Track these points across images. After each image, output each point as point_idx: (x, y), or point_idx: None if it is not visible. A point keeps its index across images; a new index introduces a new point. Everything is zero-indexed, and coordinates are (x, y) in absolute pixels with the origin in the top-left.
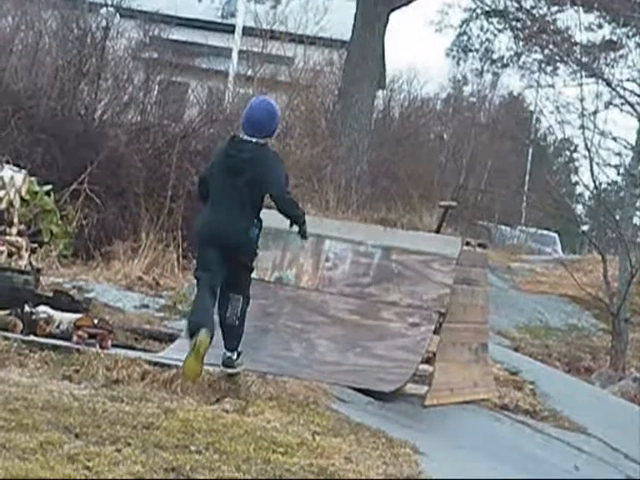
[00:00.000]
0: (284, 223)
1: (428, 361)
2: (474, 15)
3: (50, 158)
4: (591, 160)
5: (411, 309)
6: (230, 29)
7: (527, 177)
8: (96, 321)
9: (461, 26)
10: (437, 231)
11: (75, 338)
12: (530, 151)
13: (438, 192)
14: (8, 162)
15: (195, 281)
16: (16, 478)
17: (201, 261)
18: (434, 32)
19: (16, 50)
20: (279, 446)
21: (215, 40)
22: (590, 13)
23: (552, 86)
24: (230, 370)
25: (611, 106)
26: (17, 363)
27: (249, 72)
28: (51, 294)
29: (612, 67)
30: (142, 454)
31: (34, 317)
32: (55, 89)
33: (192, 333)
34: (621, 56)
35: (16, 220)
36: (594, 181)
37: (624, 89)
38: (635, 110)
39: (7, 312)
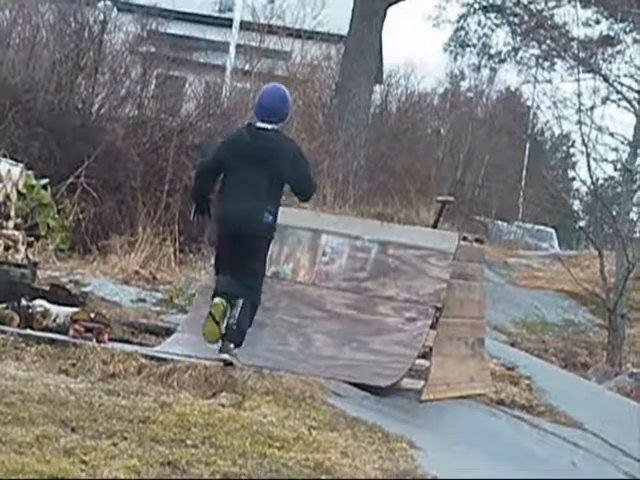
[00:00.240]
0: (280, 218)
1: (424, 356)
2: (471, 10)
3: (47, 152)
4: (588, 155)
5: (408, 304)
6: (227, 23)
7: (524, 172)
8: (93, 315)
9: (458, 21)
10: (434, 226)
11: (72, 332)
12: (527, 146)
13: (435, 187)
14: (5, 156)
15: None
16: (12, 472)
17: (219, 258)
18: (431, 27)
19: (13, 44)
20: (275, 440)
21: (212, 34)
22: (587, 8)
23: (549, 81)
24: (224, 355)
25: (608, 102)
26: (14, 357)
27: (246, 66)
28: (48, 288)
29: (609, 63)
30: (138, 448)
31: (31, 311)
32: (52, 83)
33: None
34: (618, 52)
35: (13, 214)
36: (591, 176)
37: (621, 85)
38: (632, 106)
39: (4, 306)
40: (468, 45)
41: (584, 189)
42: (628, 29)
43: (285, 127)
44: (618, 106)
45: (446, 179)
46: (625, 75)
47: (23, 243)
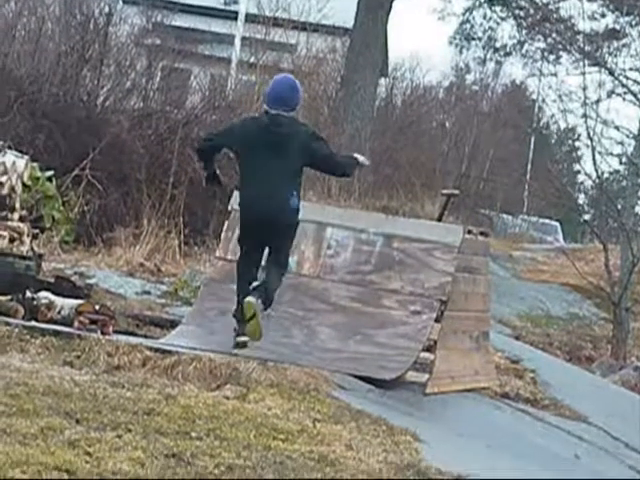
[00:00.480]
0: None
1: (429, 349)
2: (477, 3)
3: (52, 144)
4: (593, 149)
5: (412, 297)
6: (233, 16)
7: (529, 166)
8: (97, 307)
9: (464, 14)
10: (439, 219)
11: (76, 324)
12: (532, 140)
13: (440, 180)
14: (10, 148)
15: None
16: (17, 463)
17: (244, 247)
18: (437, 20)
19: (19, 36)
20: (280, 433)
21: (218, 27)
22: (593, 2)
23: (555, 75)
24: (251, 299)
25: (614, 95)
26: (18, 349)
27: (252, 59)
28: (52, 280)
29: (615, 56)
30: (143, 440)
31: (35, 303)
32: (58, 75)
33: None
34: (624, 45)
35: (18, 206)
36: (596, 170)
37: (627, 78)
38: (637, 99)
39: (8, 298)
40: (473, 38)
41: (589, 182)
42: (634, 22)
43: None
44: (624, 99)
45: (451, 172)
46: (631, 68)
47: (28, 235)
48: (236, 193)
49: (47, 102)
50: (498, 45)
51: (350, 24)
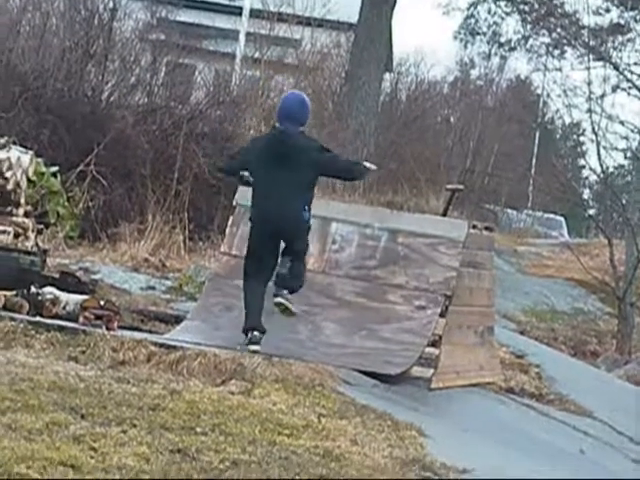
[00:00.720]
0: None
1: (434, 344)
2: None
3: (57, 139)
4: (598, 144)
5: (417, 292)
6: (237, 11)
7: (534, 161)
8: (102, 302)
9: (469, 9)
10: (444, 214)
11: (81, 319)
12: (537, 135)
13: (445, 175)
14: (15, 143)
15: (243, 273)
16: (22, 458)
17: (252, 256)
18: (441, 15)
19: (23, 31)
20: (285, 428)
21: (222, 22)
22: None
23: (559, 70)
24: (278, 299)
25: (618, 90)
26: (23, 344)
27: (256, 54)
28: (57, 275)
29: (620, 51)
30: (148, 435)
31: (40, 298)
32: (62, 70)
33: (245, 331)
34: (629, 40)
35: (23, 201)
36: (601, 165)
37: (631, 73)
38: None
39: (13, 293)
40: (478, 33)
41: (594, 177)
42: (638, 17)
43: None
44: (628, 94)
45: (456, 167)
46: (635, 63)
47: (33, 230)
48: (241, 188)
49: (52, 97)
50: (503, 40)
51: (354, 19)
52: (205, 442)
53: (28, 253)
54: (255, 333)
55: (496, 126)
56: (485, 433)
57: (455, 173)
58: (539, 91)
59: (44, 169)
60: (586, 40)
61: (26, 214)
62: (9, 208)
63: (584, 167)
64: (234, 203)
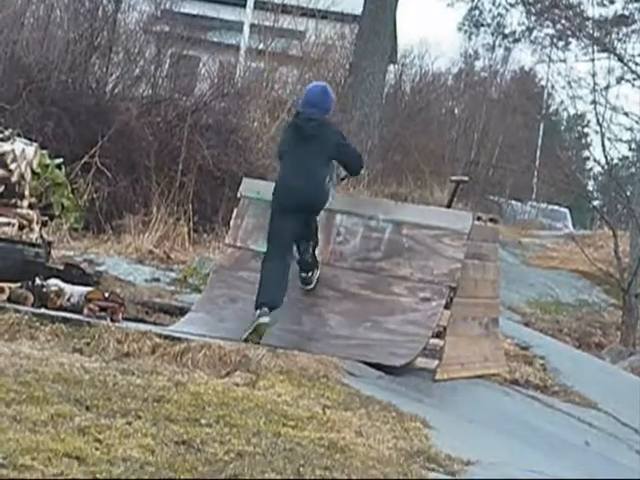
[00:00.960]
0: None
1: (439, 335)
2: None
3: (61, 131)
4: (602, 135)
5: (422, 284)
6: (242, 2)
7: (538, 152)
8: (107, 294)
9: (473, 0)
10: (448, 206)
11: (86, 311)
12: (541, 126)
13: (449, 167)
14: (19, 135)
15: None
16: (27, 450)
17: (273, 231)
18: (446, 6)
19: (27, 23)
20: (289, 420)
21: (227, 14)
22: None
23: (564, 61)
24: (308, 287)
25: (623, 81)
26: (28, 336)
27: (260, 46)
28: (62, 267)
29: (624, 42)
30: (153, 427)
31: (45, 290)
32: (66, 62)
33: (257, 307)
34: (633, 31)
35: (27, 193)
36: (605, 156)
37: (636, 64)
38: None
39: (18, 285)
40: (482, 25)
41: (598, 169)
42: None
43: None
44: (633, 86)
45: (460, 159)
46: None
47: (37, 222)
48: (245, 180)
49: (56, 90)
50: (507, 31)
51: (359, 11)
52: (210, 434)
53: (33, 245)
54: (264, 309)
55: (500, 118)
56: (490, 424)
57: (459, 165)
58: (543, 83)
59: (48, 161)
60: (590, 31)
61: (30, 206)
62: (13, 200)
63: (588, 158)
64: (238, 195)
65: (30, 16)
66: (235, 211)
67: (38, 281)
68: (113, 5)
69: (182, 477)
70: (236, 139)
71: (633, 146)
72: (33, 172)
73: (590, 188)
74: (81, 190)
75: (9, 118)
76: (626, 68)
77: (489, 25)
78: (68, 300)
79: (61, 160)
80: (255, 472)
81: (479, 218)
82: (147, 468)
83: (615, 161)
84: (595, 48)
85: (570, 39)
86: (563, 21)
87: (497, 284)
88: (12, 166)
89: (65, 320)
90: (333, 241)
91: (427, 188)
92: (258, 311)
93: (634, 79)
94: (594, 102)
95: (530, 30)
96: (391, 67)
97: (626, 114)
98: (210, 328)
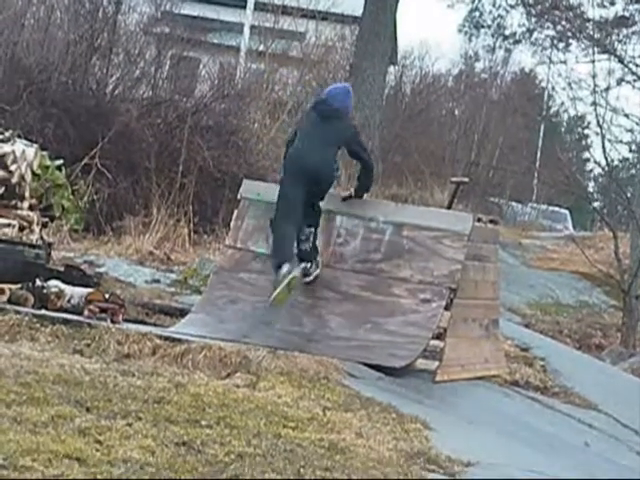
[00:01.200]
0: None
1: (439, 337)
2: None
3: (61, 133)
4: (603, 137)
5: (422, 285)
6: (242, 4)
7: (538, 154)
8: (107, 295)
9: (473, 2)
10: (448, 207)
11: (86, 312)
12: (542, 127)
13: (449, 168)
14: (20, 136)
15: (272, 221)
16: (27, 451)
17: (283, 195)
18: (446, 8)
19: (28, 24)
20: (290, 421)
21: (227, 15)
22: None
23: (564, 62)
24: (306, 279)
25: (623, 83)
26: (28, 337)
27: (261, 47)
28: (62, 268)
29: (625, 44)
30: (153, 428)
31: (45, 291)
32: (67, 64)
33: (278, 267)
34: (634, 32)
35: (27, 194)
36: (606, 158)
37: (636, 66)
38: None
39: (18, 286)
40: (483, 26)
41: (599, 170)
42: None
43: (299, 108)
44: (633, 87)
45: (460, 160)
46: None
47: (38, 224)
48: (245, 181)
49: (56, 91)
50: (507, 33)
51: (359, 12)
52: (210, 435)
53: (33, 246)
54: (285, 265)
55: (501, 119)
56: (490, 426)
57: (460, 166)
58: (544, 84)
59: (49, 162)
60: (591, 33)
61: (31, 207)
62: (14, 201)
63: (589, 160)
64: (239, 196)
65: (30, 17)
66: (235, 212)
67: (38, 282)
68: (113, 6)
69: (182, 478)
70: (236, 140)
71: (633, 148)
72: (33, 173)
73: (590, 190)
74: (81, 191)
75: (9, 119)
76: (626, 69)
77: (489, 26)
78: (68, 301)
79: (61, 161)
80: (255, 473)
81: (479, 219)
82: (147, 469)
83: (615, 163)
84: (595, 49)
85: (570, 40)
86: (563, 22)
87: (497, 285)
88: (12, 167)
89: (65, 321)
90: (333, 243)
91: (427, 189)
92: (284, 267)
93: (634, 80)
94: (594, 103)
95: (530, 31)
96: (391, 68)
97: (626, 115)
98: (210, 329)
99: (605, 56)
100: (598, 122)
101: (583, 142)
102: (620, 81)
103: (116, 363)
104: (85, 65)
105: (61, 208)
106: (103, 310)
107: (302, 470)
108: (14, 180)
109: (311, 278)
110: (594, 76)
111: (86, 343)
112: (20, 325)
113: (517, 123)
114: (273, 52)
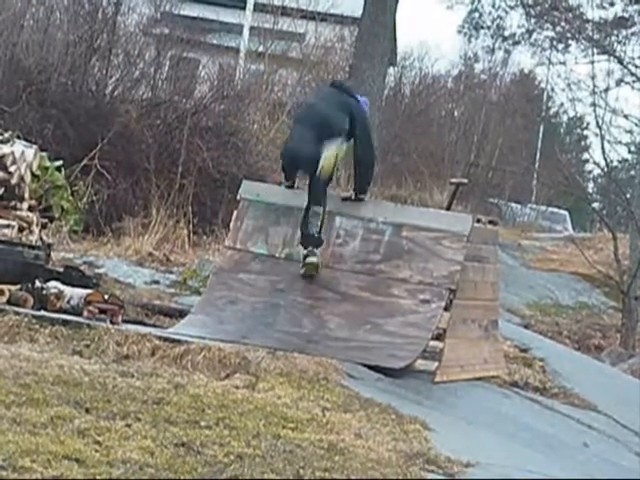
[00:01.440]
0: (294, 200)
1: (438, 338)
2: None
3: (61, 134)
4: (602, 137)
5: (422, 286)
6: (241, 5)
7: (538, 155)
8: (106, 296)
9: (472, 3)
10: (448, 208)
11: (86, 313)
12: (541, 128)
13: (449, 169)
14: (19, 137)
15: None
16: (27, 452)
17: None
18: (445, 9)
19: (27, 25)
20: (289, 422)
21: (226, 16)
22: None
23: (563, 63)
24: (311, 259)
25: (622, 83)
26: (28, 338)
27: (260, 48)
28: (62, 269)
29: (624, 44)
30: (152, 429)
31: (45, 292)
32: (66, 65)
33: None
34: (633, 33)
35: (27, 195)
36: (605, 159)
37: (636, 66)
38: None
39: (18, 287)
40: (482, 27)
41: (598, 171)
42: None
43: (299, 109)
44: (632, 88)
45: (460, 161)
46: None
47: (37, 225)
48: (245, 182)
49: (56, 92)
50: (507, 34)
51: (359, 13)
52: (209, 436)
53: (32, 247)
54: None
55: (500, 120)
56: (489, 427)
57: (459, 167)
58: (543, 85)
59: (48, 163)
60: (590, 34)
61: (30, 208)
62: (13, 202)
63: (588, 161)
64: (238, 197)
65: (30, 18)
66: (235, 213)
67: (38, 283)
68: (113, 7)
69: (182, 479)
70: (236, 141)
71: (633, 148)
72: (33, 174)
73: (590, 190)
74: (81, 192)
75: (9, 120)
76: (626, 70)
77: (489, 27)
78: (68, 302)
79: (61, 162)
80: (255, 474)
81: (479, 220)
82: (147, 470)
83: (615, 163)
84: (595, 50)
85: (570, 41)
86: (563, 23)
87: (497, 286)
88: (12, 168)
89: (65, 322)
90: (333, 243)
91: (427, 190)
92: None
93: (634, 81)
94: (594, 104)
95: (530, 32)
96: (391, 69)
97: (626, 116)
98: (210, 330)
99: (604, 57)
100: (597, 123)
101: (582, 143)
102: (619, 82)
103: (115, 364)
104: (84, 66)
105: (60, 209)
106: (102, 311)
107: (301, 471)
108: (13, 181)
109: (313, 259)
110: (593, 77)
111: (85, 344)
112: (19, 326)
113: (516, 124)
114: (272, 53)
